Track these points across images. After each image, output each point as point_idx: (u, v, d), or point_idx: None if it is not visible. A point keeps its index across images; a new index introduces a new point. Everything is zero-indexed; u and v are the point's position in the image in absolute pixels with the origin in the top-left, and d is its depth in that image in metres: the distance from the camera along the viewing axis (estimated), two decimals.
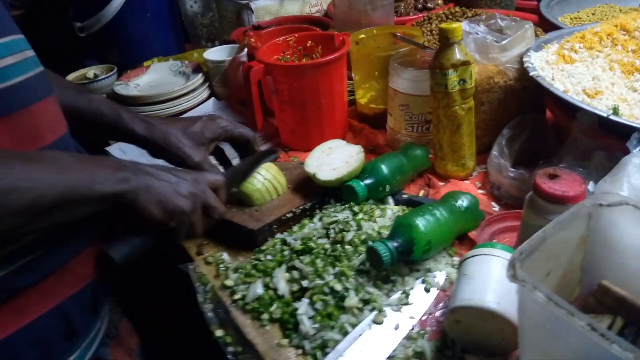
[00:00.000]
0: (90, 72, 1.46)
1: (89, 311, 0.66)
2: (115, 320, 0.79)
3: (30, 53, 0.60)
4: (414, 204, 0.83)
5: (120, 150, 1.12)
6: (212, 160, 0.87)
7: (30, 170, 0.51)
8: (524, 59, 0.89)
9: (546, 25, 1.17)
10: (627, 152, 0.67)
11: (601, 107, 0.77)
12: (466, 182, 0.92)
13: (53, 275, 0.60)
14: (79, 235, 0.64)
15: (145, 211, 0.60)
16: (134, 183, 0.59)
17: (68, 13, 1.53)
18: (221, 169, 0.87)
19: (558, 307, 0.43)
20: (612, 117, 0.73)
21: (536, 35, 1.02)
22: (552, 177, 0.66)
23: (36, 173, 0.51)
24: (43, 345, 0.60)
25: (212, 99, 1.33)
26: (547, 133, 0.93)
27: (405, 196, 0.87)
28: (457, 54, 0.83)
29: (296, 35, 1.13)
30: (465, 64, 0.83)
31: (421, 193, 0.90)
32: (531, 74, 0.85)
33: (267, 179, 0.83)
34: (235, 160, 0.89)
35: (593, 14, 1.28)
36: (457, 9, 1.29)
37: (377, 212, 0.81)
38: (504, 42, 0.90)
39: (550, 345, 0.48)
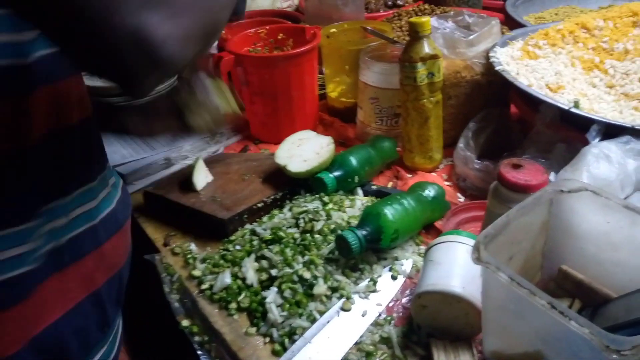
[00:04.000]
0: None
1: (116, 301, 0.65)
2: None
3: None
4: (382, 195, 0.84)
5: None
6: None
7: None
8: (490, 54, 0.91)
9: (512, 24, 1.20)
10: (586, 143, 0.70)
11: (563, 100, 0.79)
12: (433, 174, 0.93)
13: (90, 257, 0.59)
14: (113, 217, 0.63)
15: None
16: None
17: None
18: None
19: (520, 287, 0.45)
20: (574, 110, 0.75)
21: (502, 32, 1.04)
22: (516, 167, 0.68)
23: None
24: (82, 333, 0.59)
25: None
26: (511, 126, 0.96)
27: (374, 187, 0.87)
28: (426, 48, 0.84)
29: (267, 27, 1.12)
30: (434, 57, 0.85)
31: (389, 184, 0.91)
32: (497, 68, 0.87)
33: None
34: None
35: (556, 14, 1.31)
36: (426, 6, 1.31)
37: (347, 203, 0.81)
38: (471, 37, 0.92)
39: (513, 325, 0.50)
